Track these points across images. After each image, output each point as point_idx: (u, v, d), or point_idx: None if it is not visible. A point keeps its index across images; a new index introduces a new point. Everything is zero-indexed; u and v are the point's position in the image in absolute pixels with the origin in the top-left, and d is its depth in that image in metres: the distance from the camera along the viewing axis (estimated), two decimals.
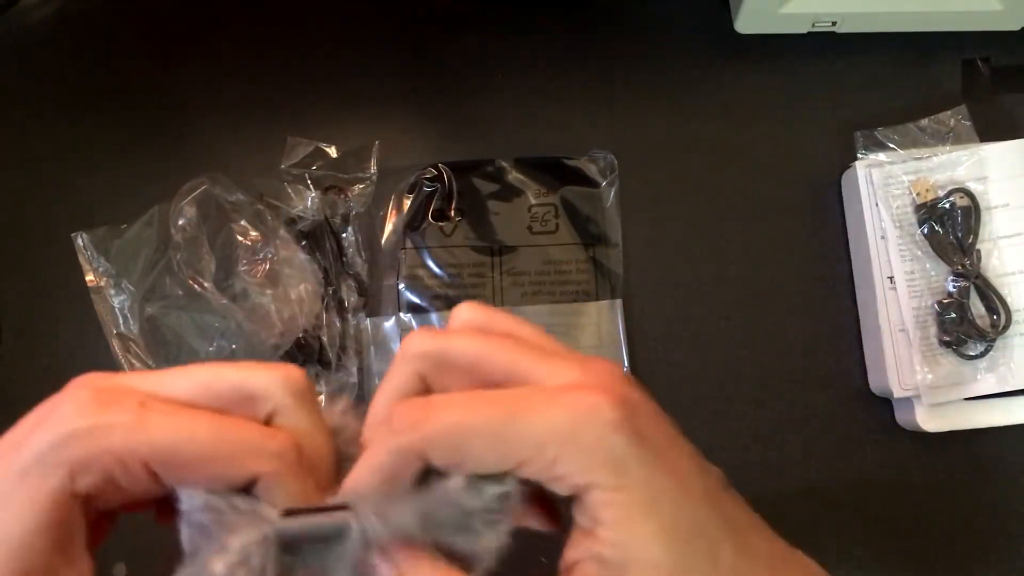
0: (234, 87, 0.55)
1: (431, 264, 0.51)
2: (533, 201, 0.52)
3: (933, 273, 0.49)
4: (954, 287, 0.48)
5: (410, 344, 0.25)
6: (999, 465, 0.50)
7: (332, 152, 0.52)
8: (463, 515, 0.22)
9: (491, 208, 0.52)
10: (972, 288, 0.48)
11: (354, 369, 0.50)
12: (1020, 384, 0.48)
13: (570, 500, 0.22)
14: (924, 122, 0.51)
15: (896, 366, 0.48)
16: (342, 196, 0.51)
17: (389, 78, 0.55)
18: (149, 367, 0.48)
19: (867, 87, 0.55)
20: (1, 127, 0.54)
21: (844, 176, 0.53)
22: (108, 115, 0.54)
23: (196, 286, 0.48)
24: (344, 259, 0.51)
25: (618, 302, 0.51)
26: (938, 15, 0.53)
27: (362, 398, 0.50)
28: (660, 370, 0.51)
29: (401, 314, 0.51)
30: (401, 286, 0.51)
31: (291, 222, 0.51)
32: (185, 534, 0.22)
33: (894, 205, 0.49)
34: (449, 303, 0.51)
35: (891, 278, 0.49)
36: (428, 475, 0.23)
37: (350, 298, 0.50)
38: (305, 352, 0.49)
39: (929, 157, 0.50)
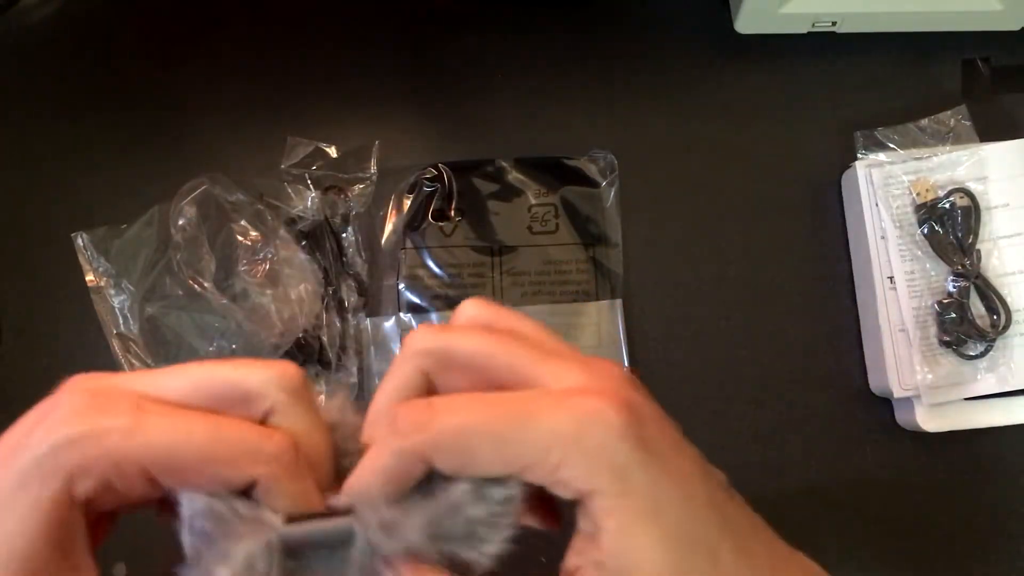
0: (234, 87, 0.55)
1: (431, 264, 0.51)
2: (533, 201, 0.52)
3: (933, 273, 0.49)
4: (954, 287, 0.48)
5: (414, 340, 0.24)
6: (999, 465, 0.50)
7: (332, 152, 0.52)
8: (468, 524, 0.22)
9: (491, 208, 0.52)
10: (972, 288, 0.48)
11: (354, 369, 0.50)
12: (1020, 384, 0.48)
13: (573, 503, 0.22)
14: (924, 122, 0.51)
15: (896, 366, 0.48)
16: (342, 196, 0.51)
17: (389, 78, 0.55)
18: (149, 367, 0.48)
19: (867, 87, 0.55)
20: (1, 127, 0.54)
21: (844, 176, 0.53)
22: (108, 115, 0.54)
23: (196, 286, 0.48)
24: (344, 259, 0.51)
25: (618, 302, 0.51)
26: (938, 15, 0.53)
27: (362, 398, 0.50)
28: (660, 370, 0.51)
29: (401, 314, 0.51)
30: (401, 286, 0.51)
31: (291, 222, 0.51)
32: (187, 540, 0.22)
33: (894, 205, 0.49)
34: (449, 303, 0.51)
35: (891, 278, 0.49)
36: (431, 476, 0.23)
37: (350, 298, 0.50)
38: (305, 352, 0.49)
39: (929, 157, 0.50)
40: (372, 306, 0.51)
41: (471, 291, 0.50)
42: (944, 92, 0.55)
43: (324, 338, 0.49)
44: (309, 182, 0.51)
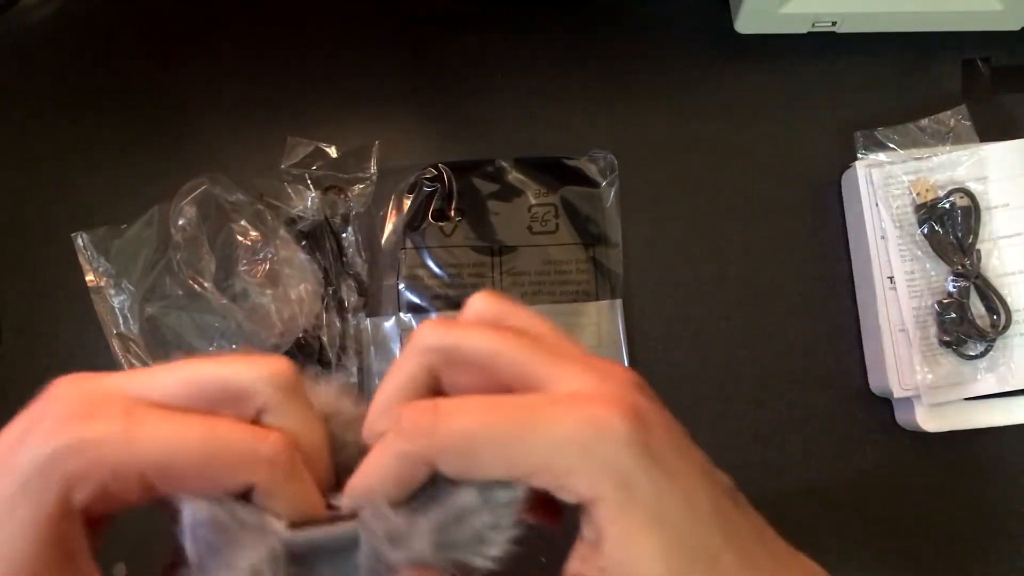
0: (234, 87, 0.55)
1: (431, 264, 0.51)
2: (533, 201, 0.52)
3: (933, 273, 0.49)
4: (954, 287, 0.48)
5: (422, 336, 0.24)
6: (999, 465, 0.50)
7: (332, 152, 0.52)
8: (474, 530, 0.22)
9: (491, 208, 0.52)
10: (972, 288, 0.48)
11: (354, 369, 0.50)
12: (1020, 384, 0.48)
13: (577, 507, 0.22)
14: (924, 122, 0.51)
15: (896, 366, 0.48)
16: (342, 196, 0.51)
17: (389, 78, 0.55)
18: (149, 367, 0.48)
19: (867, 87, 0.55)
20: (1, 127, 0.54)
21: (844, 176, 0.53)
22: (108, 115, 0.54)
23: (196, 286, 0.48)
24: (344, 259, 0.51)
25: (618, 302, 0.51)
26: (938, 15, 0.53)
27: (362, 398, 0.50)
28: (660, 370, 0.51)
29: (401, 314, 0.51)
30: (401, 286, 0.51)
31: (291, 222, 0.51)
32: (190, 548, 0.22)
33: (894, 205, 0.49)
34: (449, 303, 0.51)
35: (891, 278, 0.49)
36: (435, 477, 0.22)
37: (350, 298, 0.50)
38: (305, 352, 0.49)
39: (929, 157, 0.50)
40: (372, 306, 0.51)
41: (471, 291, 0.50)
42: (944, 92, 0.55)
43: (324, 338, 0.49)
44: (309, 182, 0.51)
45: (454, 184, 0.52)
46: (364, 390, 0.50)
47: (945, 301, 0.48)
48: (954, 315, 0.48)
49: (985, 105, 0.54)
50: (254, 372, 0.23)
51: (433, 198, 0.52)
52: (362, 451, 0.25)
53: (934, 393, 0.47)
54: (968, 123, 0.51)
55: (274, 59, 0.55)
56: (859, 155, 0.51)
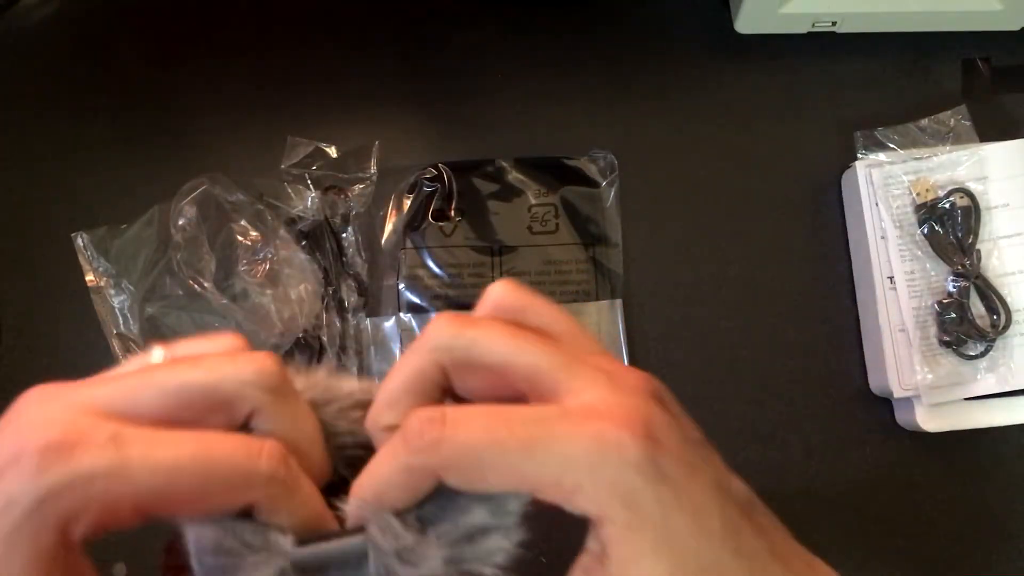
0: (234, 87, 0.55)
1: (431, 264, 0.51)
2: (533, 201, 0.52)
3: (933, 273, 0.49)
4: (954, 287, 0.48)
5: (435, 332, 0.23)
6: (999, 465, 0.50)
7: (332, 152, 0.52)
8: (485, 548, 0.22)
9: (491, 208, 0.52)
10: (972, 288, 0.48)
11: (354, 369, 0.50)
12: (1020, 384, 0.48)
13: (584, 518, 0.22)
14: (924, 122, 0.51)
15: (896, 366, 0.48)
16: (342, 196, 0.51)
17: (389, 78, 0.55)
18: None
19: (867, 87, 0.55)
20: (1, 127, 0.54)
21: (844, 176, 0.53)
22: (108, 115, 0.54)
23: (196, 286, 0.48)
24: (344, 259, 0.51)
25: (618, 302, 0.51)
26: (938, 15, 0.53)
27: None
28: (660, 370, 0.51)
29: (401, 314, 0.51)
30: (401, 286, 0.51)
31: (291, 222, 0.51)
32: (198, 573, 0.21)
33: (894, 205, 0.49)
34: (449, 303, 0.51)
35: (891, 278, 0.49)
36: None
37: (350, 298, 0.50)
38: (305, 352, 0.49)
39: (929, 157, 0.50)
40: (372, 306, 0.51)
41: (471, 291, 0.51)
42: (944, 92, 0.55)
43: (324, 338, 0.49)
44: (309, 182, 0.51)
45: (454, 184, 0.52)
46: None
47: (945, 301, 0.48)
48: (954, 315, 0.48)
49: (985, 105, 0.54)
50: (240, 375, 0.22)
51: (433, 198, 0.52)
52: (357, 438, 0.24)
53: (934, 393, 0.47)
54: (968, 123, 0.51)
55: (274, 59, 0.55)
56: (859, 155, 0.51)
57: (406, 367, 0.23)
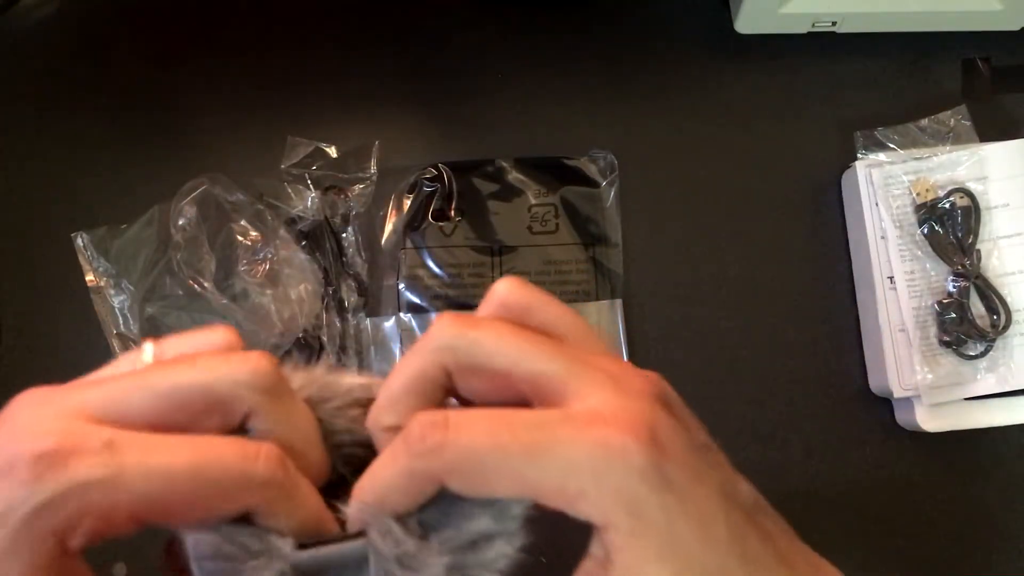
0: (234, 87, 0.55)
1: (431, 264, 0.51)
2: (533, 201, 0.52)
3: (933, 273, 0.49)
4: (954, 287, 0.48)
5: (439, 333, 0.23)
6: (999, 465, 0.50)
7: (332, 152, 0.52)
8: (488, 556, 0.22)
9: (491, 208, 0.52)
10: (972, 288, 0.48)
11: (354, 369, 0.50)
12: (1020, 384, 0.48)
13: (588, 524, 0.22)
14: (924, 122, 0.51)
15: (896, 366, 0.48)
16: (342, 196, 0.51)
17: (389, 78, 0.55)
18: None
19: (867, 87, 0.55)
20: (1, 127, 0.54)
21: (844, 176, 0.53)
22: (108, 115, 0.54)
23: (196, 286, 0.48)
24: (344, 259, 0.51)
25: (618, 302, 0.51)
26: (938, 15, 0.53)
27: None
28: (660, 370, 0.50)
29: (401, 314, 0.51)
30: (401, 286, 0.51)
31: (291, 222, 0.51)
32: None
33: (894, 205, 0.49)
34: (449, 303, 0.51)
35: (891, 278, 0.49)
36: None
37: (350, 298, 0.50)
38: (305, 352, 0.49)
39: (929, 157, 0.50)
40: (372, 306, 0.51)
41: (471, 291, 0.51)
42: (944, 92, 0.55)
43: (324, 338, 0.49)
44: (309, 182, 0.51)
45: (454, 184, 0.52)
46: None
47: (945, 301, 0.48)
48: (954, 315, 0.48)
49: (985, 105, 0.54)
50: (235, 377, 0.22)
51: (433, 198, 0.52)
52: (356, 436, 0.24)
53: (934, 393, 0.47)
54: (968, 123, 0.51)
55: (274, 59, 0.55)
56: (859, 155, 0.51)
57: (408, 367, 0.23)
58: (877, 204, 0.50)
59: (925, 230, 0.49)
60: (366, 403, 0.24)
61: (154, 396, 0.21)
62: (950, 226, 0.49)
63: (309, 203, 0.51)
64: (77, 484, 0.19)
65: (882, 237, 0.49)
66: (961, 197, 0.49)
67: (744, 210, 0.53)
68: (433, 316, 0.50)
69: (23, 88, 0.55)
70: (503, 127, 0.54)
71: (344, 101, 0.55)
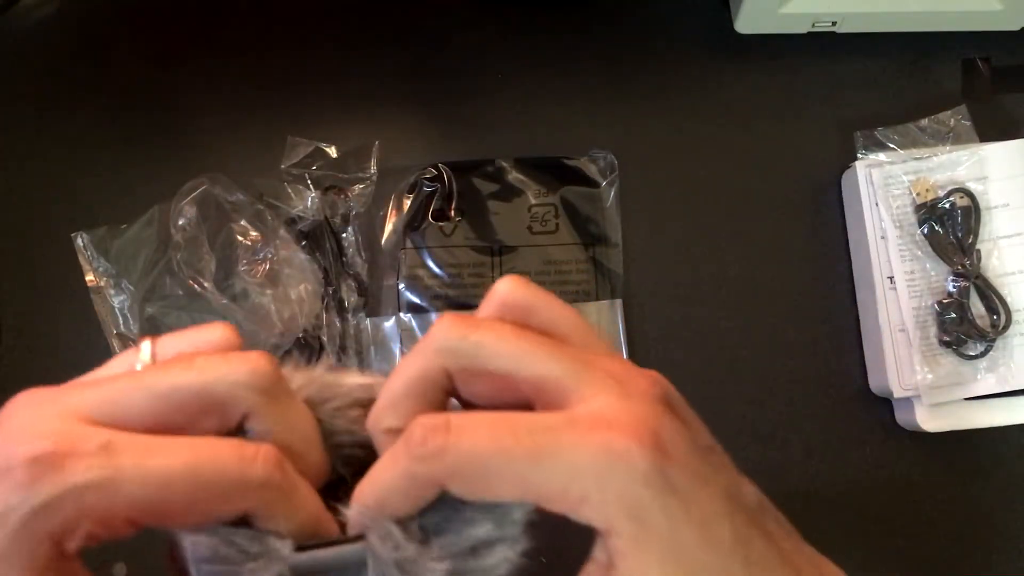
0: (234, 87, 0.55)
1: (431, 264, 0.51)
2: (533, 201, 0.52)
3: (933, 273, 0.49)
4: (954, 287, 0.48)
5: (440, 335, 0.23)
6: (999, 465, 0.50)
7: (332, 152, 0.52)
8: (488, 563, 0.22)
9: (491, 208, 0.52)
10: (972, 288, 0.48)
11: (355, 369, 0.50)
12: (1020, 384, 0.48)
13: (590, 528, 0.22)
14: (924, 122, 0.51)
15: (896, 366, 0.48)
16: (342, 196, 0.51)
17: (389, 78, 0.55)
18: None
19: (867, 87, 0.55)
20: (1, 127, 0.54)
21: (844, 176, 0.53)
22: (108, 115, 0.54)
23: (196, 286, 0.48)
24: (344, 259, 0.51)
25: (618, 302, 0.51)
26: (938, 15, 0.53)
27: None
28: (660, 370, 0.50)
29: (401, 314, 0.51)
30: (401, 286, 0.51)
31: (291, 222, 0.51)
32: None
33: (894, 205, 0.49)
34: (449, 303, 0.51)
35: (891, 278, 0.49)
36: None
37: (350, 298, 0.50)
38: (305, 352, 0.49)
39: (929, 157, 0.50)
40: (372, 306, 0.51)
41: (471, 291, 0.51)
42: (944, 92, 0.55)
43: (324, 338, 0.49)
44: (309, 182, 0.51)
45: (454, 184, 0.52)
46: None
47: (945, 301, 0.48)
48: (954, 315, 0.48)
49: (985, 105, 0.54)
50: (232, 378, 0.21)
51: (433, 198, 0.52)
52: (356, 437, 0.24)
53: (934, 393, 0.47)
54: (968, 123, 0.51)
55: (274, 59, 0.55)
56: (859, 155, 0.51)
57: (409, 369, 0.23)
58: (877, 204, 0.50)
59: (925, 230, 0.49)
60: (367, 404, 0.24)
61: (151, 397, 0.21)
62: (950, 226, 0.49)
63: (309, 203, 0.51)
64: (73, 487, 0.19)
65: (882, 237, 0.49)
66: (961, 197, 0.49)
67: (744, 210, 0.53)
68: (433, 316, 0.50)
69: (23, 88, 0.55)
70: (503, 127, 0.54)
71: (344, 101, 0.55)
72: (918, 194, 0.49)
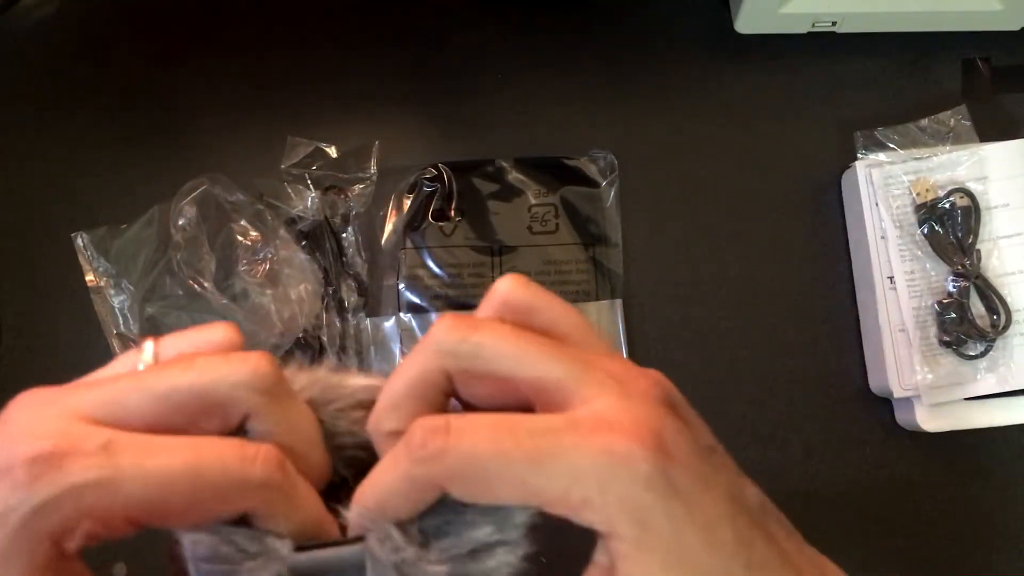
0: (234, 87, 0.55)
1: (431, 264, 0.51)
2: (533, 201, 0.52)
3: (933, 273, 0.49)
4: (954, 287, 0.48)
5: (440, 337, 0.22)
6: (999, 465, 0.50)
7: (332, 152, 0.52)
8: (488, 566, 0.22)
9: (491, 208, 0.52)
10: (972, 288, 0.48)
11: (356, 370, 0.50)
12: (1020, 384, 0.48)
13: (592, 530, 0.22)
14: (924, 122, 0.51)
15: (896, 366, 0.48)
16: (342, 196, 0.51)
17: (389, 78, 0.55)
18: None
19: (867, 87, 0.55)
20: (1, 127, 0.54)
21: (844, 176, 0.53)
22: (108, 115, 0.54)
23: (196, 286, 0.48)
24: (344, 259, 0.51)
25: (618, 302, 0.51)
26: (938, 15, 0.53)
27: None
28: (660, 370, 0.50)
29: (401, 314, 0.51)
30: (401, 286, 0.51)
31: (291, 222, 0.51)
32: None
33: (894, 205, 0.49)
34: (449, 303, 0.51)
35: (891, 278, 0.49)
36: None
37: (350, 298, 0.50)
38: (305, 352, 0.49)
39: (929, 157, 0.50)
40: (372, 306, 0.51)
41: (471, 291, 0.51)
42: (944, 92, 0.55)
43: (324, 338, 0.49)
44: (309, 182, 0.51)
45: (454, 184, 0.52)
46: None
47: (945, 301, 0.48)
48: (954, 315, 0.48)
49: (985, 105, 0.54)
50: (234, 378, 0.21)
51: (433, 198, 0.52)
52: (358, 439, 0.24)
53: (934, 393, 0.47)
54: (968, 123, 0.51)
55: (274, 59, 0.55)
56: (859, 155, 0.51)
57: (408, 371, 0.23)
58: (877, 204, 0.50)
59: (925, 230, 0.49)
60: (369, 405, 0.24)
61: (153, 398, 0.21)
62: (950, 226, 0.49)
63: (309, 203, 0.51)
64: (73, 486, 0.19)
65: (882, 237, 0.49)
66: (961, 197, 0.49)
67: (744, 210, 0.53)
68: (433, 316, 0.50)
69: (23, 88, 0.55)
70: (503, 127, 0.54)
71: (344, 101, 0.55)
72: (918, 194, 0.49)
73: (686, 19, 0.56)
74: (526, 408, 0.23)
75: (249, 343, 0.48)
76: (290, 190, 0.51)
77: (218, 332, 0.24)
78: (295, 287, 0.49)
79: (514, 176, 0.53)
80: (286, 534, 0.22)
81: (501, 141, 0.54)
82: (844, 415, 0.51)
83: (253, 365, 0.22)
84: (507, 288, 0.24)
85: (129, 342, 0.49)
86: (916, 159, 0.50)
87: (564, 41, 0.56)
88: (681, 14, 0.56)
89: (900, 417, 0.50)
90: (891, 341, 0.48)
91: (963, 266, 0.48)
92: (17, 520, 0.19)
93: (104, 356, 0.49)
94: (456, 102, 0.55)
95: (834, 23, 0.54)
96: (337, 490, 0.24)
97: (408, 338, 0.50)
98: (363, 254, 0.51)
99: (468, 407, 0.24)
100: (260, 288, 0.48)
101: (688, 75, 0.55)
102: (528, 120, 0.54)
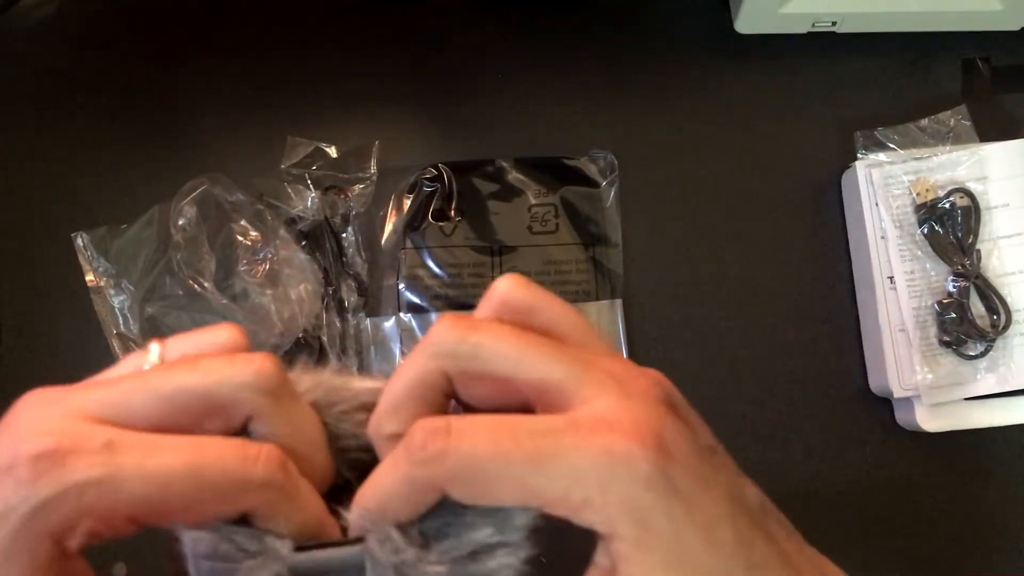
0: (234, 87, 0.54)
1: (431, 264, 0.51)
2: (533, 201, 0.52)
3: (933, 273, 0.49)
4: (954, 287, 0.48)
5: (439, 338, 0.22)
6: (999, 465, 0.50)
7: (332, 152, 0.52)
8: (488, 568, 0.22)
9: (491, 208, 0.52)
10: (972, 288, 0.48)
11: (354, 369, 0.50)
12: (1020, 384, 0.48)
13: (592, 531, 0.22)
14: (924, 122, 0.51)
15: (896, 366, 0.48)
16: (342, 196, 0.51)
17: (389, 78, 0.55)
18: None
19: (867, 87, 0.55)
20: (1, 127, 0.54)
21: (844, 176, 0.53)
22: (108, 115, 0.54)
23: (196, 286, 0.48)
24: (344, 259, 0.51)
25: (618, 302, 0.51)
26: (938, 15, 0.53)
27: None
28: (660, 370, 0.50)
29: (401, 314, 0.51)
30: (401, 286, 0.51)
31: (291, 222, 0.51)
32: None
33: (894, 205, 0.49)
34: (449, 303, 0.51)
35: (891, 278, 0.49)
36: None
37: (350, 298, 0.50)
38: (305, 352, 0.49)
39: (929, 157, 0.50)
40: (372, 306, 0.51)
41: (471, 291, 0.51)
42: (944, 92, 0.55)
43: (324, 338, 0.49)
44: (309, 182, 0.51)
45: (454, 184, 0.52)
46: None
47: (945, 301, 0.48)
48: (954, 315, 0.48)
49: (985, 105, 0.54)
50: (237, 380, 0.21)
51: (433, 198, 0.52)
52: (361, 441, 0.24)
53: (934, 393, 0.47)
54: (968, 123, 0.51)
55: (274, 59, 0.55)
56: (859, 155, 0.51)
57: (408, 373, 0.23)
58: (877, 204, 0.50)
59: (925, 230, 0.49)
60: (372, 408, 0.24)
61: (156, 398, 0.21)
62: (950, 226, 0.49)
63: (309, 203, 0.51)
64: (74, 484, 0.19)
65: (882, 237, 0.49)
66: (961, 197, 0.49)
67: (744, 210, 0.53)
68: (433, 316, 0.50)
69: (23, 88, 0.55)
70: (503, 127, 0.54)
71: (344, 101, 0.55)
72: (918, 194, 0.49)
73: (686, 19, 0.56)
74: (526, 409, 0.23)
75: (248, 340, 0.48)
76: (290, 190, 0.51)
77: (223, 333, 0.24)
78: (295, 287, 0.49)
79: (514, 176, 0.53)
80: (287, 534, 0.22)
81: (501, 141, 0.54)
82: (844, 415, 0.51)
83: (257, 367, 0.22)
84: (506, 288, 0.24)
85: (129, 342, 0.49)
86: (916, 159, 0.50)
87: (564, 41, 0.56)
88: (681, 14, 0.56)
89: (900, 417, 0.50)
90: (891, 341, 0.48)
91: (963, 266, 0.48)
92: (19, 519, 0.19)
93: (104, 356, 0.49)
94: (456, 102, 0.55)
95: (834, 23, 0.54)
96: (340, 492, 0.24)
97: (408, 338, 0.50)
98: (363, 254, 0.51)
99: (468, 409, 0.24)
100: (260, 288, 0.48)
101: (688, 75, 0.55)
102: (528, 120, 0.54)
